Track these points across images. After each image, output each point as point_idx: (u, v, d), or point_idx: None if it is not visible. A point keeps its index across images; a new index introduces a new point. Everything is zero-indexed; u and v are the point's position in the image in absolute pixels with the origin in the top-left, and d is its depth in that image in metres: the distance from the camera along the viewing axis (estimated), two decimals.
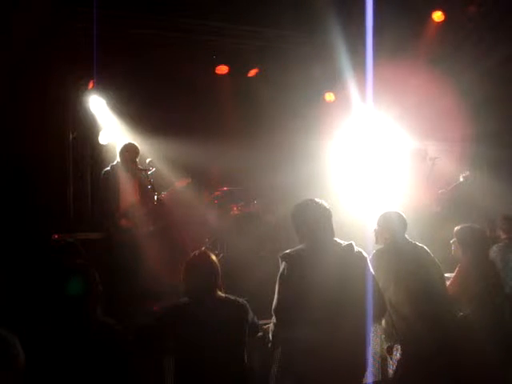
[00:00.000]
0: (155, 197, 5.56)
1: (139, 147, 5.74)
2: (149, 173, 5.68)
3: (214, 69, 7.75)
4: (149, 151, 6.27)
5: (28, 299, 3.27)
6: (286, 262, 3.09)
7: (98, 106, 6.65)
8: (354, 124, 7.33)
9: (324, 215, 3.22)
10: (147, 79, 7.11)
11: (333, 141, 7.42)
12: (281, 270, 3.11)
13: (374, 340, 4.10)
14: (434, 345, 3.54)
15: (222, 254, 6.54)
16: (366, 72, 6.54)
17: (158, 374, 3.59)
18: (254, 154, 7.10)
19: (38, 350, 2.48)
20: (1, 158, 5.74)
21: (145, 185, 5.64)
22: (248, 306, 3.22)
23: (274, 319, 3.12)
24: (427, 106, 7.56)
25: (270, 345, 3.34)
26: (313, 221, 3.19)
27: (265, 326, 3.41)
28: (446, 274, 4.10)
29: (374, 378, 4.11)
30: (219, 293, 3.14)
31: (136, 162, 5.63)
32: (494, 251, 4.95)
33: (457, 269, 4.22)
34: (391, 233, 3.85)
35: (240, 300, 3.21)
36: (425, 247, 3.88)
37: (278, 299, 3.07)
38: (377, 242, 3.96)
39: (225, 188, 7.64)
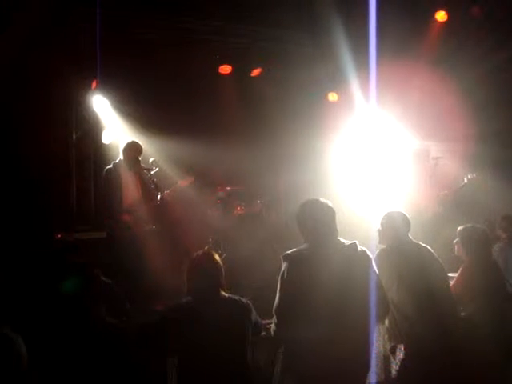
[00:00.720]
0: (158, 196, 5.55)
1: (142, 146, 5.74)
2: (152, 172, 5.68)
3: (218, 68, 7.75)
4: (152, 151, 6.27)
5: (31, 298, 3.28)
6: (288, 262, 3.10)
7: (101, 105, 6.66)
8: (357, 124, 7.33)
9: (328, 215, 3.22)
10: (150, 79, 7.12)
11: (336, 141, 7.41)
12: (282, 269, 3.12)
13: (378, 340, 4.09)
14: (436, 345, 3.53)
15: (225, 254, 6.52)
16: (369, 72, 6.54)
17: (161, 373, 3.59)
18: (257, 153, 7.11)
19: (42, 348, 2.49)
20: (5, 156, 5.76)
21: (147, 183, 5.62)
22: (251, 305, 3.21)
23: (274, 319, 3.13)
24: (430, 106, 7.56)
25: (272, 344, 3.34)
26: (317, 220, 3.19)
27: (268, 326, 3.40)
28: (450, 274, 4.10)
29: (378, 377, 4.09)
30: (223, 292, 3.14)
31: (139, 160, 5.58)
32: (495, 251, 4.95)
33: (460, 269, 4.21)
34: (394, 233, 3.84)
35: (243, 300, 3.20)
36: (428, 247, 3.88)
37: (279, 299, 3.08)
38: (380, 242, 3.96)
39: (228, 188, 7.64)
